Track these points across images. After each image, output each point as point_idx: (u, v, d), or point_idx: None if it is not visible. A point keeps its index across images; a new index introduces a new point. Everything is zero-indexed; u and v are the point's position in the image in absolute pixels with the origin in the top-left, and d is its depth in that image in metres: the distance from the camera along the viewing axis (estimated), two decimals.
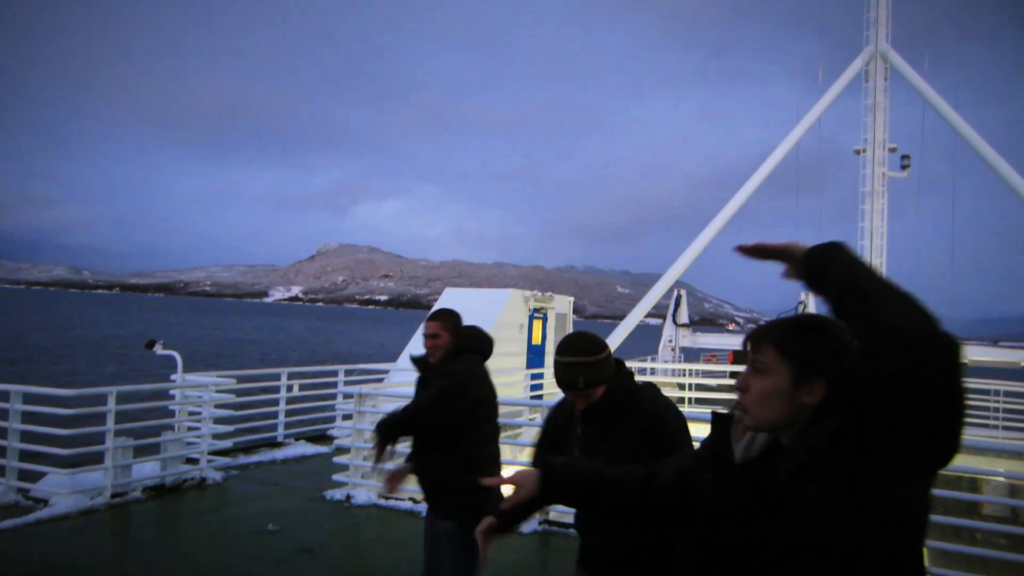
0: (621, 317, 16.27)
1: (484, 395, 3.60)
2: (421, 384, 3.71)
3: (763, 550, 1.44)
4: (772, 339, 1.50)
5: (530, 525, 6.82)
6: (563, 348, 2.66)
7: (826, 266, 1.39)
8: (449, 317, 3.73)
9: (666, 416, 2.60)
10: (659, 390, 2.80)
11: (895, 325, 1.24)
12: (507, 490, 1.87)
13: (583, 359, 2.61)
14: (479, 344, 3.70)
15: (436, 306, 15.71)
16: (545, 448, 2.87)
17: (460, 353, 3.60)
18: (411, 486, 6.62)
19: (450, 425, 3.46)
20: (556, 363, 2.66)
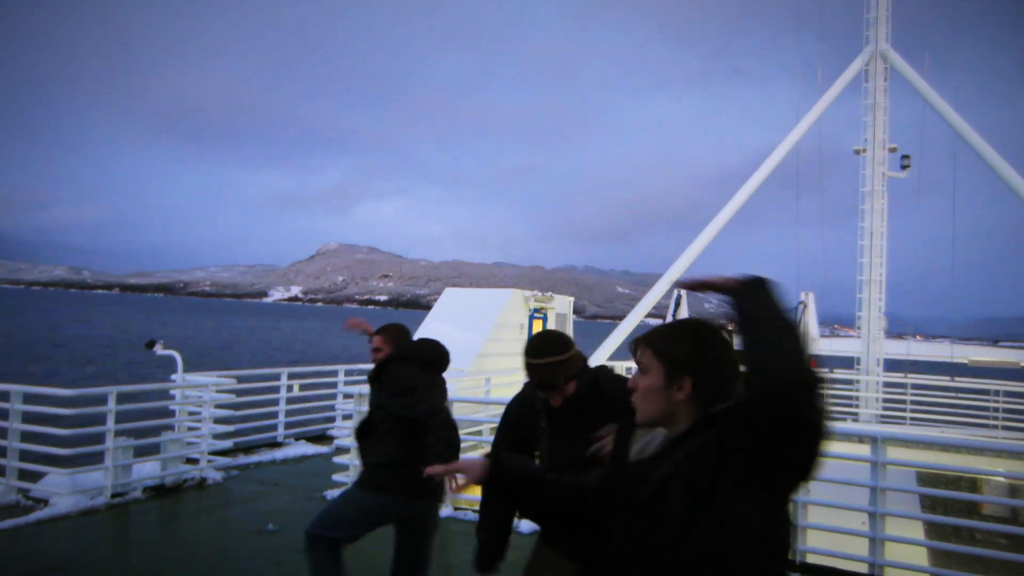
0: (621, 317, 16.27)
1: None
2: (371, 381, 3.96)
3: (636, 553, 1.56)
4: (649, 342, 1.69)
5: (530, 525, 6.82)
6: (535, 350, 2.69)
7: (746, 297, 1.56)
8: (390, 331, 3.99)
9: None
10: (611, 370, 2.89)
11: (777, 361, 1.43)
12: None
13: (559, 358, 2.66)
14: (411, 352, 3.88)
15: (436, 306, 15.73)
16: (509, 443, 2.92)
17: (387, 363, 3.83)
18: None
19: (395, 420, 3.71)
20: (531, 365, 2.69)
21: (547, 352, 2.67)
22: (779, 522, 1.50)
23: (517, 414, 2.94)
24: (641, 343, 1.71)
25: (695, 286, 1.68)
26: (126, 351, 45.68)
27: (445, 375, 4.00)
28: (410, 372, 3.76)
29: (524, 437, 2.86)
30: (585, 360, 2.80)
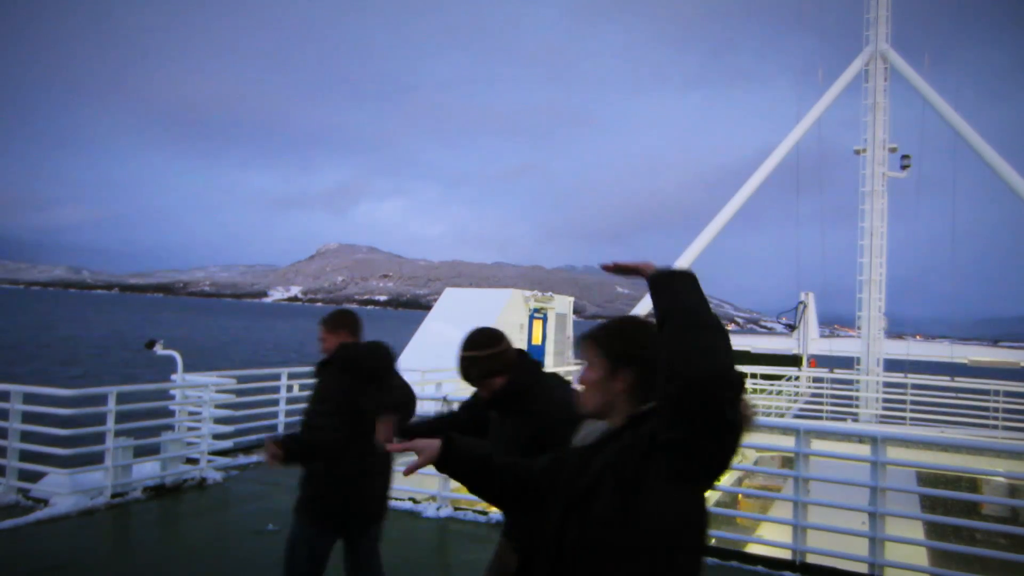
0: None
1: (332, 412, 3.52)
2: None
3: (570, 543, 1.63)
4: (592, 338, 1.77)
5: None
6: (462, 343, 2.88)
7: (663, 288, 1.61)
8: (332, 322, 3.68)
9: (556, 416, 2.61)
10: (561, 381, 2.95)
11: (696, 360, 1.46)
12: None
13: (475, 353, 2.81)
14: (347, 360, 3.55)
15: (436, 306, 15.73)
16: (468, 413, 3.11)
17: (324, 364, 3.60)
18: (409, 485, 6.64)
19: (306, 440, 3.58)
20: (457, 358, 2.87)
21: (468, 347, 2.82)
22: (699, 514, 1.57)
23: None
24: (584, 338, 1.79)
25: (617, 269, 1.75)
26: (116, 352, 45.61)
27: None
28: (335, 384, 3.51)
29: (481, 418, 3.01)
30: (525, 362, 2.88)
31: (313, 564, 3.69)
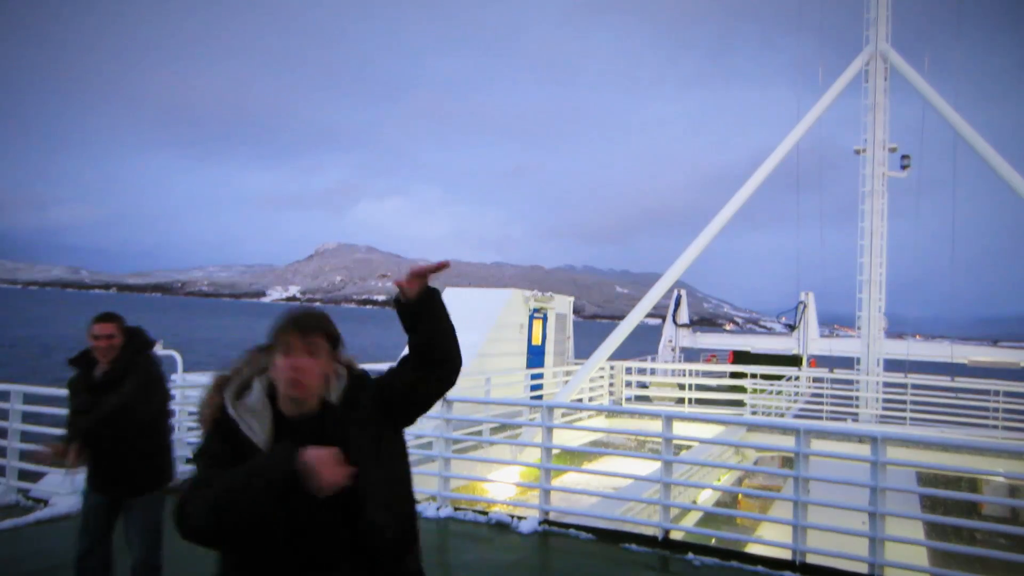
0: (620, 317, 16.25)
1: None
2: (82, 385, 3.93)
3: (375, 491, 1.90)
4: (321, 328, 1.95)
5: (530, 525, 6.81)
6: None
7: (437, 303, 2.01)
8: (121, 318, 4.02)
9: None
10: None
11: (454, 353, 2.04)
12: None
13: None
14: (149, 343, 4.08)
15: None
16: None
17: (137, 353, 3.97)
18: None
19: (146, 421, 3.91)
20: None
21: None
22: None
23: None
24: (313, 329, 1.93)
25: (421, 274, 2.03)
26: (59, 352, 45.27)
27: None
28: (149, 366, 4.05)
29: None
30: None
31: None
